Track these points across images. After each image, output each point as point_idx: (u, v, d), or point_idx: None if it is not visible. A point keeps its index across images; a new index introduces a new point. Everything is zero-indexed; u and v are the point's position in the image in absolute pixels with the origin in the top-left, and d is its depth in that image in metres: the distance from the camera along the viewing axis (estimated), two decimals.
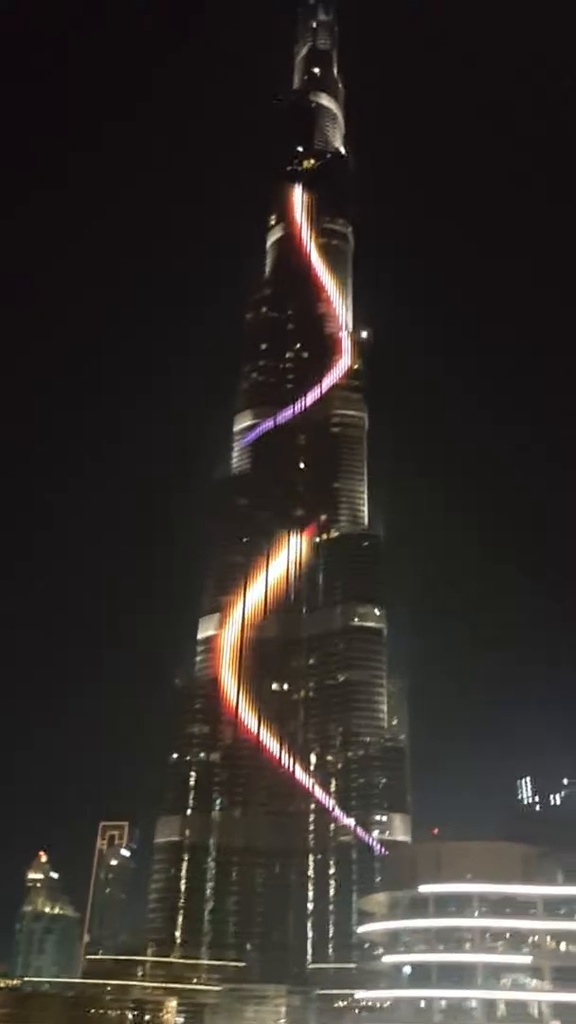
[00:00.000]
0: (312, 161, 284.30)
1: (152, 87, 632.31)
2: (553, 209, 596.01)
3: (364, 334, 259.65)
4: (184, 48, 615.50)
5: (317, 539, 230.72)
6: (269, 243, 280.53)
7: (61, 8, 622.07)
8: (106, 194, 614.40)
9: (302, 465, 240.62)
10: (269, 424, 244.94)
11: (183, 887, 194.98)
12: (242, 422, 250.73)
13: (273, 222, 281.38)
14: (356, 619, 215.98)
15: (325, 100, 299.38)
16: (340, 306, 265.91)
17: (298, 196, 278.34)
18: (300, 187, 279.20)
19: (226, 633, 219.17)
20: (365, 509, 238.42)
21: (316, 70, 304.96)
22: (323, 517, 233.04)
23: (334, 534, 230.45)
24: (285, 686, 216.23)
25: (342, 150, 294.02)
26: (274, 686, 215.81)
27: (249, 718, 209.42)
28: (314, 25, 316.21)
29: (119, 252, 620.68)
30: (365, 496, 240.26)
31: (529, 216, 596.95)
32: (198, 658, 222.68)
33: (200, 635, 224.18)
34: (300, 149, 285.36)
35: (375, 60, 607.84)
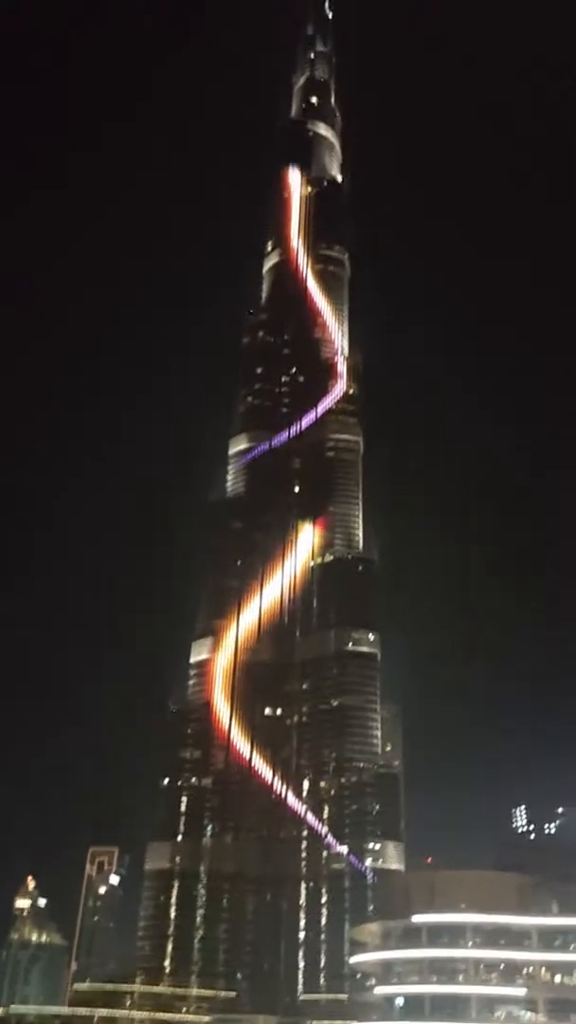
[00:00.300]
0: (309, 189, 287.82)
1: (152, 87, 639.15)
2: (554, 234, 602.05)
3: (359, 359, 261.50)
4: (184, 50, 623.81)
5: (311, 563, 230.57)
6: (266, 268, 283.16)
7: (61, 8, 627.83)
8: (106, 194, 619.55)
9: (297, 488, 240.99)
10: (265, 447, 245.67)
11: (173, 915, 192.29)
12: (238, 445, 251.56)
13: (270, 248, 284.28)
14: (350, 643, 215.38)
15: (323, 129, 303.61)
16: (336, 331, 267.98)
17: (295, 223, 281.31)
18: (297, 214, 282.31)
19: (219, 657, 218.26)
20: (360, 533, 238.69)
21: (314, 100, 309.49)
22: (318, 541, 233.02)
23: (328, 558, 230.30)
24: (278, 711, 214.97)
25: (339, 178, 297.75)
26: (267, 711, 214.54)
27: (242, 743, 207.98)
28: (312, 56, 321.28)
29: (113, 264, 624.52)
30: (360, 520, 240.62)
31: (528, 244, 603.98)
32: (191, 682, 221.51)
33: (193, 658, 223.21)
34: (298, 176, 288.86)
35: (372, 91, 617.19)
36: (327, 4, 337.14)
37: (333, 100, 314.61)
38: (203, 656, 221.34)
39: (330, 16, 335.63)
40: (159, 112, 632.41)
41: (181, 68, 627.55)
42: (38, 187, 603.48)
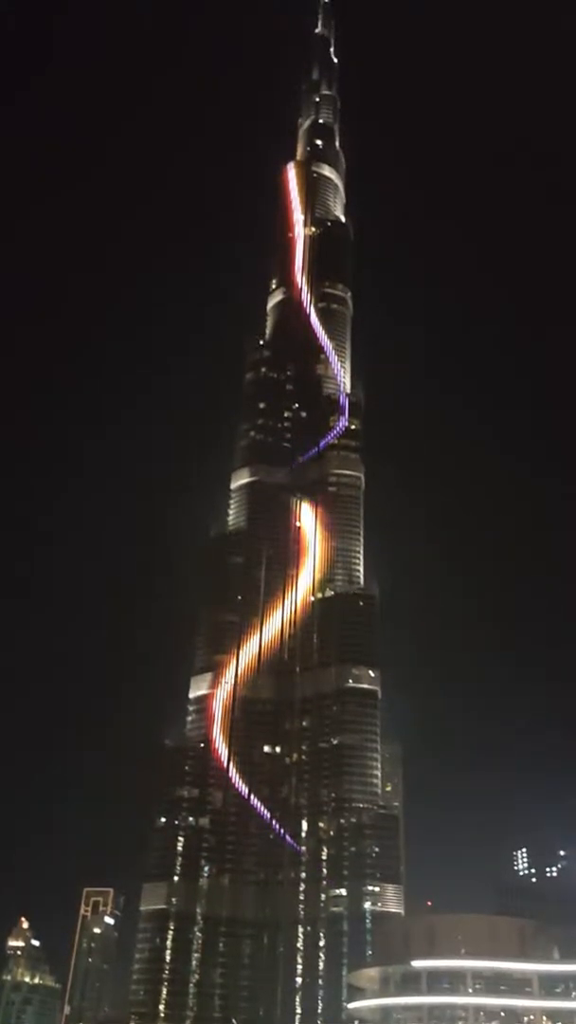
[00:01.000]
0: (313, 229, 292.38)
1: (160, 122, 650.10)
2: (560, 272, 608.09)
3: (361, 395, 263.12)
4: (193, 89, 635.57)
5: (312, 598, 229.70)
6: (270, 305, 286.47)
7: (61, 9, 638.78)
8: (106, 229, 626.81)
9: (298, 523, 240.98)
10: (266, 482, 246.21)
11: (168, 958, 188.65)
12: (239, 479, 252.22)
13: (274, 286, 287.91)
14: (350, 680, 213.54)
15: (327, 171, 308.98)
16: (338, 368, 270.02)
17: (299, 261, 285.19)
18: (301, 253, 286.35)
19: (218, 693, 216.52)
20: (361, 568, 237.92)
21: (319, 142, 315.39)
22: (318, 576, 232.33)
23: (329, 593, 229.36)
24: (277, 748, 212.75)
25: (342, 219, 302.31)
26: (266, 748, 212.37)
27: (240, 782, 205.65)
28: (317, 99, 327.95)
29: (117, 297, 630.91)
30: (361, 555, 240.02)
31: (530, 277, 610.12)
32: (189, 718, 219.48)
33: (192, 694, 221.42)
34: (302, 217, 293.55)
35: (376, 135, 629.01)
36: (332, 50, 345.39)
37: (337, 143, 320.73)
38: (202, 692, 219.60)
39: (335, 61, 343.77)
40: (166, 147, 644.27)
41: (191, 107, 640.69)
42: (35, 194, 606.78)
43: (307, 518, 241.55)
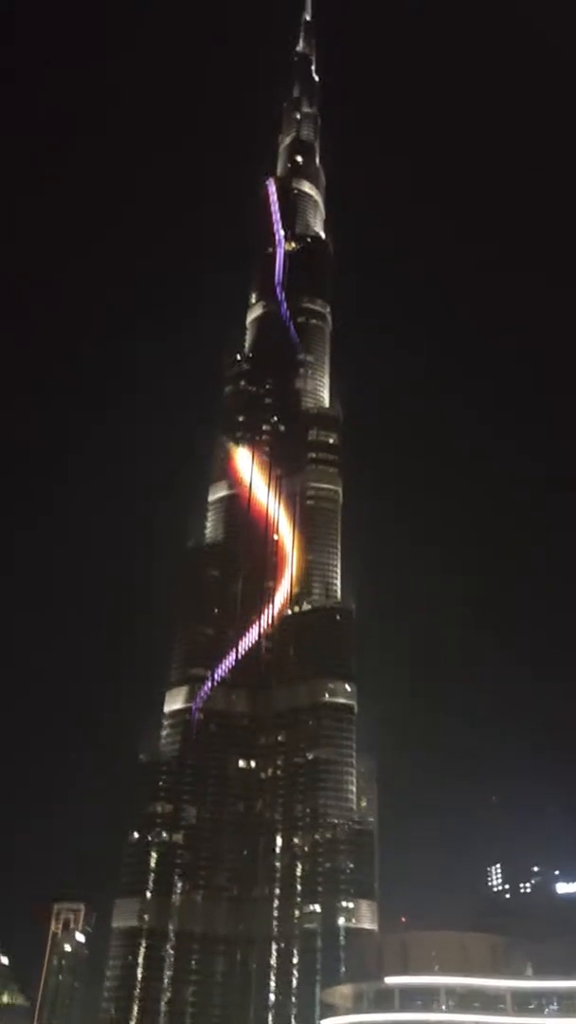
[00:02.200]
0: (293, 244, 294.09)
1: (141, 137, 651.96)
2: (537, 296, 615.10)
3: (340, 409, 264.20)
4: (179, 112, 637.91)
5: (289, 612, 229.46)
6: (249, 319, 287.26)
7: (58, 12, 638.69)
8: (81, 243, 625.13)
9: (276, 537, 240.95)
10: (244, 495, 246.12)
11: (140, 975, 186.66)
12: (217, 492, 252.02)
13: (254, 300, 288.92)
14: (326, 695, 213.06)
15: (307, 187, 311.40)
16: (317, 382, 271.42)
17: (278, 276, 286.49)
18: (281, 268, 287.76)
19: (193, 706, 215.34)
20: (338, 583, 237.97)
21: (299, 159, 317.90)
22: (295, 590, 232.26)
23: (306, 607, 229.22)
24: (252, 763, 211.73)
25: (322, 235, 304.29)
26: (241, 763, 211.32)
27: (214, 797, 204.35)
28: (298, 117, 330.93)
29: (100, 308, 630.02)
30: (338, 570, 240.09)
31: (504, 294, 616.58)
32: (164, 733, 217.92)
33: (167, 708, 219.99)
34: (282, 233, 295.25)
35: (356, 152, 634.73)
36: (313, 68, 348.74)
37: (318, 160, 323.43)
38: (177, 706, 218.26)
39: (316, 79, 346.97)
40: (143, 161, 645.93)
41: (168, 120, 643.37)
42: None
43: (285, 531, 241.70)
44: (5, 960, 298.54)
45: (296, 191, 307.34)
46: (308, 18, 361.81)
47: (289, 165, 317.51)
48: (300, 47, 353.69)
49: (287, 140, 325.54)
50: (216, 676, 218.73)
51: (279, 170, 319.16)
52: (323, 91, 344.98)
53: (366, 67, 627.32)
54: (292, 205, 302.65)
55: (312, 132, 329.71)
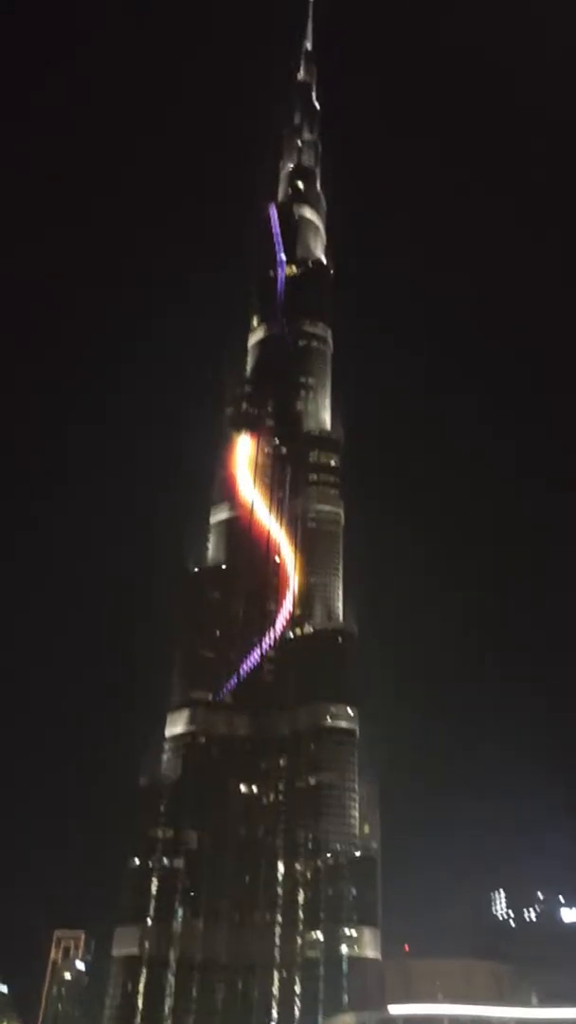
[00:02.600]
0: (294, 268, 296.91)
1: (146, 156, 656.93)
2: (540, 322, 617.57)
3: (342, 432, 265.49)
4: (178, 134, 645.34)
5: (290, 634, 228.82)
6: (251, 343, 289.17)
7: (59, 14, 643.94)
8: (84, 270, 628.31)
9: (277, 559, 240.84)
10: (245, 517, 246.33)
11: (140, 1003, 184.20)
12: (219, 514, 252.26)
13: (255, 323, 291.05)
14: (328, 719, 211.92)
15: (308, 213, 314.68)
16: (318, 404, 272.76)
17: (280, 300, 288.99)
18: (282, 292, 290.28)
19: (194, 730, 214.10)
20: (340, 605, 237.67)
21: (300, 185, 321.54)
22: (297, 612, 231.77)
23: (308, 630, 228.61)
24: (254, 788, 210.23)
25: (323, 260, 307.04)
26: (242, 788, 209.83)
27: (216, 822, 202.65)
28: (299, 143, 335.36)
29: (99, 326, 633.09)
30: (340, 592, 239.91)
31: (502, 317, 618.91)
32: (165, 756, 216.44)
33: (168, 732, 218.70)
34: (283, 257, 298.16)
35: (357, 178, 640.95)
36: (314, 96, 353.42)
37: (319, 186, 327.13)
38: (178, 730, 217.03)
39: (317, 107, 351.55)
40: (147, 184, 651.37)
41: (170, 145, 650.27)
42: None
43: (286, 553, 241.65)
44: (5, 988, 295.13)
45: (297, 216, 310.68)
46: (309, 47, 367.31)
47: (290, 191, 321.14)
48: (301, 75, 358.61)
49: (288, 167, 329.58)
50: (217, 699, 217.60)
51: (280, 196, 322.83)
52: (323, 118, 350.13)
53: (366, 95, 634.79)
54: (293, 230, 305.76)
55: (313, 159, 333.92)
